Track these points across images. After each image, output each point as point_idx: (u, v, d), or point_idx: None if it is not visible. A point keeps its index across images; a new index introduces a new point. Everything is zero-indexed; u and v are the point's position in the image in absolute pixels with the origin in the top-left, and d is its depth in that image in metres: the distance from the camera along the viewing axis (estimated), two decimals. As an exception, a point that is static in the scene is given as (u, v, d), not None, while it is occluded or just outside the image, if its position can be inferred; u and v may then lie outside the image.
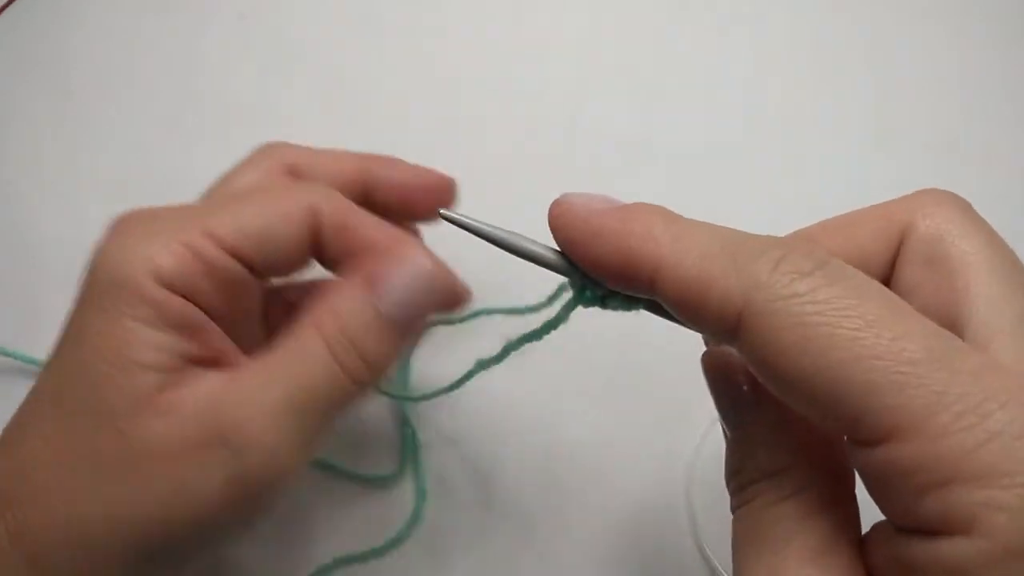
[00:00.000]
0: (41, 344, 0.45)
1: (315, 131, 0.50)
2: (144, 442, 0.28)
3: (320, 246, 0.33)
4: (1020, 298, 0.24)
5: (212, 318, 0.30)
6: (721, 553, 0.40)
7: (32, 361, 0.44)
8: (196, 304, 0.30)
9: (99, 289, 0.30)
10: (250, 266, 0.31)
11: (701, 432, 0.42)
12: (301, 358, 0.30)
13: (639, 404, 0.43)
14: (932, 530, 0.20)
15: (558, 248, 0.26)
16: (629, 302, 0.26)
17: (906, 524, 0.21)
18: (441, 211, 0.27)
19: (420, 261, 0.32)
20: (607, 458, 0.42)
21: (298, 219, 0.32)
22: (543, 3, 0.54)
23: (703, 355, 0.29)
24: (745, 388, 0.27)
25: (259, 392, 0.29)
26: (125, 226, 0.31)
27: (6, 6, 0.52)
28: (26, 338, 0.45)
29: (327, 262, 0.34)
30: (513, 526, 0.42)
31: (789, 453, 0.25)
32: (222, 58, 0.52)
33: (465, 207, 0.48)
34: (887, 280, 0.26)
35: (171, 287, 0.29)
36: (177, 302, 0.29)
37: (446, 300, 0.36)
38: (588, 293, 0.26)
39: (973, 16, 0.53)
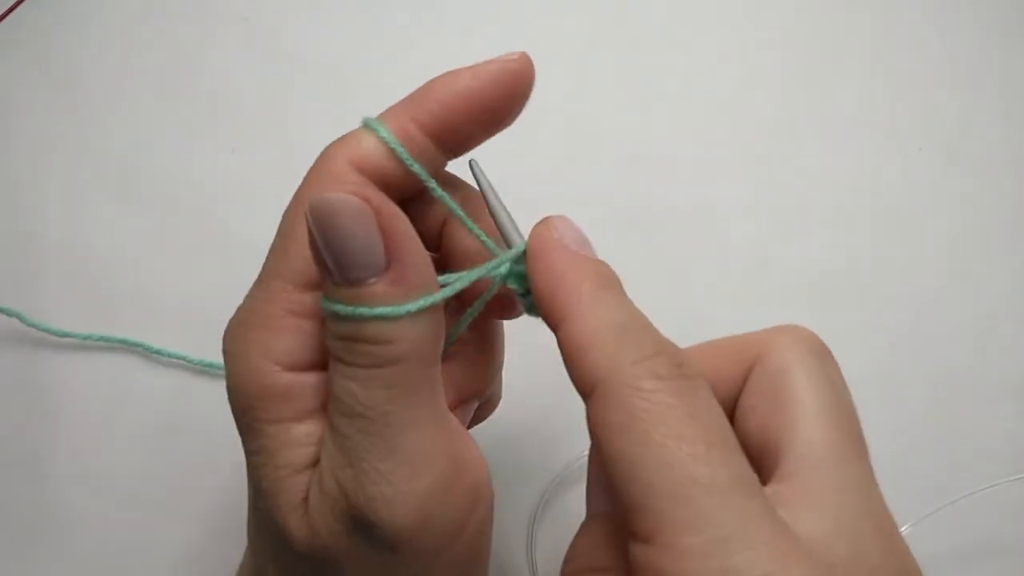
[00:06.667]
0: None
1: (317, 133, 0.50)
2: None
3: None
4: (836, 439, 0.26)
5: None
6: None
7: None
8: None
9: None
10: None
11: (541, 489, 0.43)
12: None
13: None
14: None
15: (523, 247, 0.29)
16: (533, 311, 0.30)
17: None
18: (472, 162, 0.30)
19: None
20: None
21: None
22: (543, 7, 0.54)
23: (591, 448, 0.30)
24: None
25: None
26: None
27: (13, 7, 0.53)
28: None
29: None
30: None
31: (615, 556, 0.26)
32: (226, 60, 0.52)
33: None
34: (734, 400, 0.29)
35: None
36: None
37: None
38: (525, 289, 0.29)
39: (973, 15, 0.53)
